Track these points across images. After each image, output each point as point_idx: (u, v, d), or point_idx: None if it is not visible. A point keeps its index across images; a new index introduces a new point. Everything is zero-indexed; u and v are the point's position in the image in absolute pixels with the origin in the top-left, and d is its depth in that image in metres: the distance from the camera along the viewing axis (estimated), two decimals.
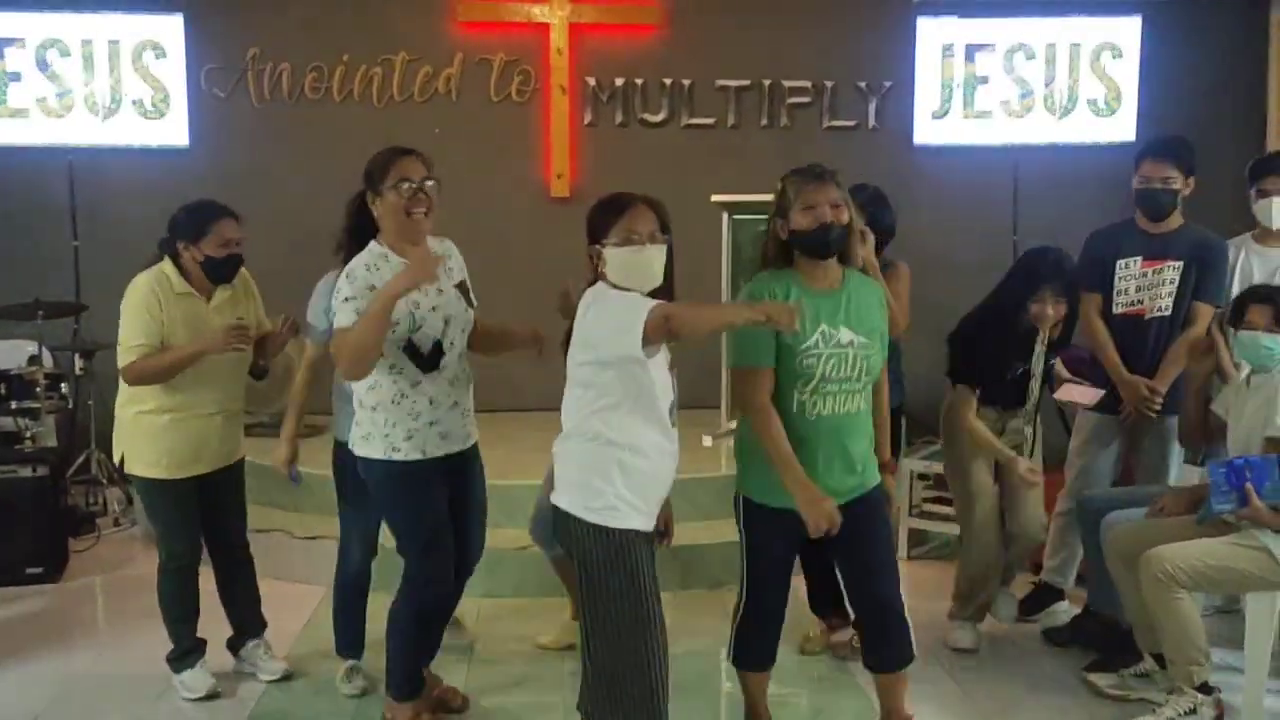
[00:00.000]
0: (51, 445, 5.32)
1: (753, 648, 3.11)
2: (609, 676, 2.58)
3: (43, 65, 5.97)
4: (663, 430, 2.63)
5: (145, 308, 3.40)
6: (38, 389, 5.21)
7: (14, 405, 5.19)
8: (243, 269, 3.61)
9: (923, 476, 5.06)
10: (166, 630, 3.64)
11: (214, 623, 3.74)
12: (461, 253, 3.32)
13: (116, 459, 3.59)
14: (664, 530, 2.88)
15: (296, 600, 4.33)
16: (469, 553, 3.38)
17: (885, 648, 3.00)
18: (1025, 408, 3.79)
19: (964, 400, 3.75)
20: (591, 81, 6.37)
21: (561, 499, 2.65)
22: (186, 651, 3.64)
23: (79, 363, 5.69)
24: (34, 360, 5.40)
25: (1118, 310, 4.03)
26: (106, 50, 5.99)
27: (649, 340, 2.46)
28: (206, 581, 3.70)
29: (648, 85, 6.40)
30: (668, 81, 6.39)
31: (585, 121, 6.38)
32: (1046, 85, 6.45)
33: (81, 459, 5.59)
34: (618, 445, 2.57)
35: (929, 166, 6.45)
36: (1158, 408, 3.92)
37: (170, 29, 6.04)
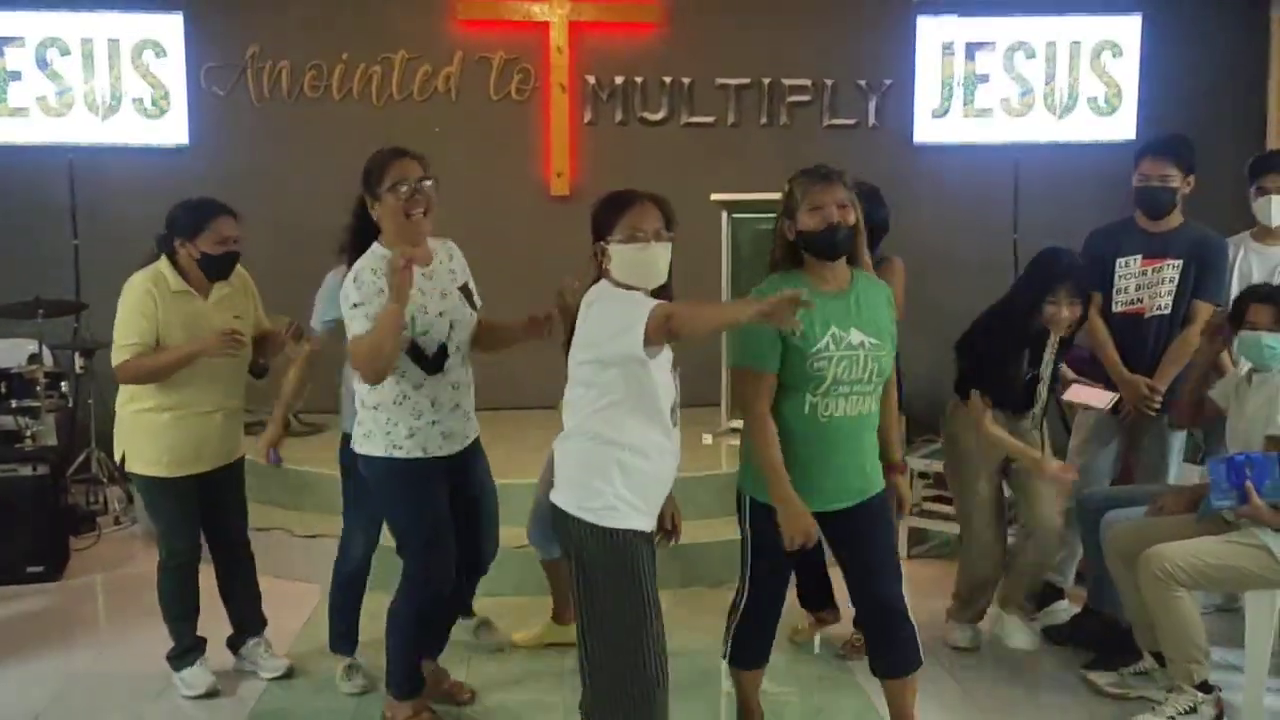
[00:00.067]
0: (52, 444, 5.31)
1: (750, 646, 3.11)
2: (607, 676, 2.58)
3: (43, 64, 5.97)
4: (664, 430, 2.63)
5: (140, 307, 3.40)
6: (38, 388, 5.21)
7: (14, 404, 5.19)
8: (241, 268, 3.61)
9: (923, 475, 5.06)
10: (167, 628, 3.65)
11: (214, 621, 3.74)
12: (462, 251, 3.32)
13: (117, 457, 3.59)
14: (671, 528, 2.89)
15: (296, 599, 4.33)
16: (483, 548, 3.40)
17: (890, 652, 3.00)
18: (1033, 411, 3.76)
19: (979, 408, 3.66)
20: (591, 80, 6.36)
21: (561, 498, 2.65)
22: (186, 650, 3.64)
23: (79, 361, 5.69)
24: (34, 359, 5.40)
25: (1117, 309, 4.03)
26: (106, 49, 6.00)
27: (650, 340, 2.46)
28: (207, 580, 3.71)
29: (647, 84, 6.40)
30: (667, 80, 6.39)
31: (585, 120, 6.38)
32: (1047, 84, 6.46)
33: (82, 457, 5.59)
34: (618, 445, 2.57)
35: (929, 165, 6.45)
36: (1157, 406, 3.92)
37: (170, 28, 6.04)
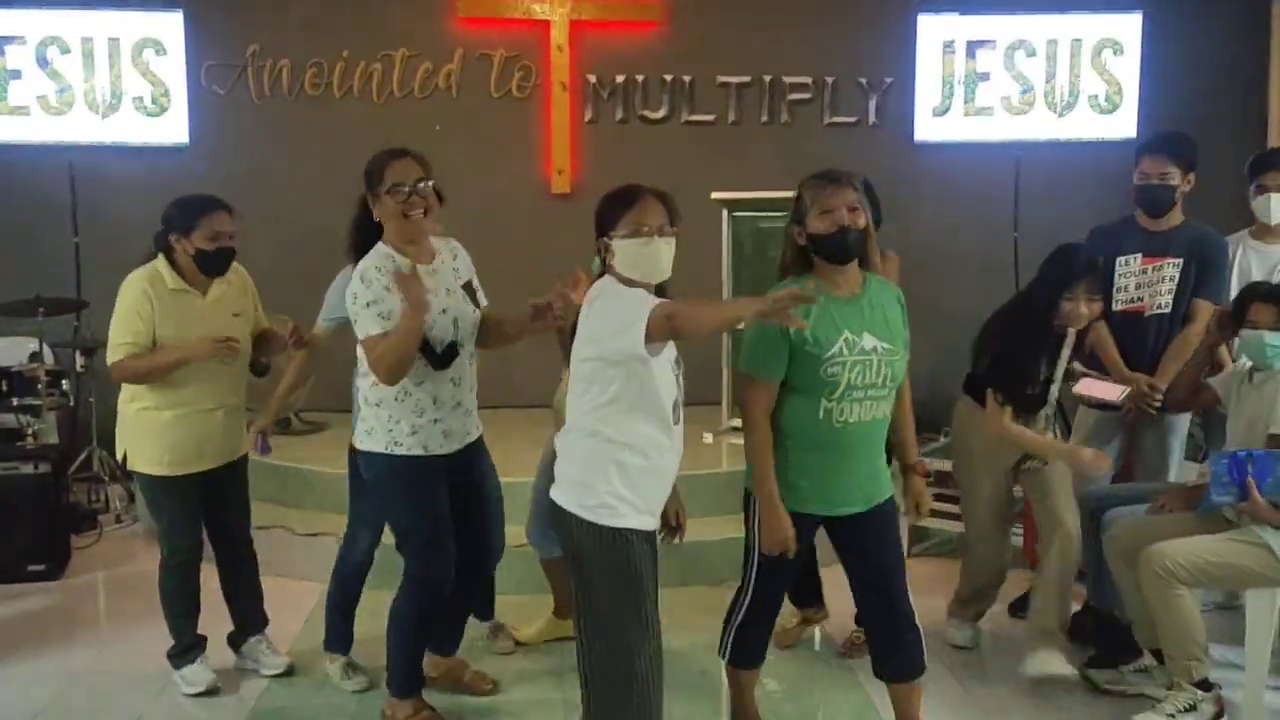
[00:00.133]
0: (53, 442, 5.32)
1: (751, 645, 3.11)
2: (604, 675, 2.58)
3: (43, 63, 5.98)
4: (664, 428, 2.62)
5: (135, 307, 3.40)
6: (39, 386, 5.22)
7: (15, 402, 5.20)
8: (240, 265, 3.61)
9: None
10: (168, 626, 3.65)
11: (214, 620, 3.75)
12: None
13: (119, 455, 3.60)
14: (676, 525, 2.89)
15: (297, 597, 4.33)
16: (489, 546, 3.41)
17: (896, 655, 3.00)
18: (1045, 410, 3.68)
19: (995, 409, 3.59)
20: (592, 78, 6.37)
21: (560, 495, 2.65)
22: (187, 648, 3.64)
23: (80, 359, 5.70)
24: (35, 357, 5.41)
25: (1117, 307, 4.03)
26: (106, 47, 6.01)
27: (652, 338, 2.45)
28: (209, 578, 3.71)
29: (648, 82, 6.40)
30: (668, 78, 6.40)
31: (586, 118, 6.39)
32: (1047, 82, 6.47)
33: (83, 456, 5.59)
34: (616, 443, 2.57)
35: (930, 163, 6.45)
36: (1158, 405, 3.92)
37: (170, 26, 6.05)
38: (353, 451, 3.46)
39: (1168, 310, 3.96)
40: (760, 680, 3.30)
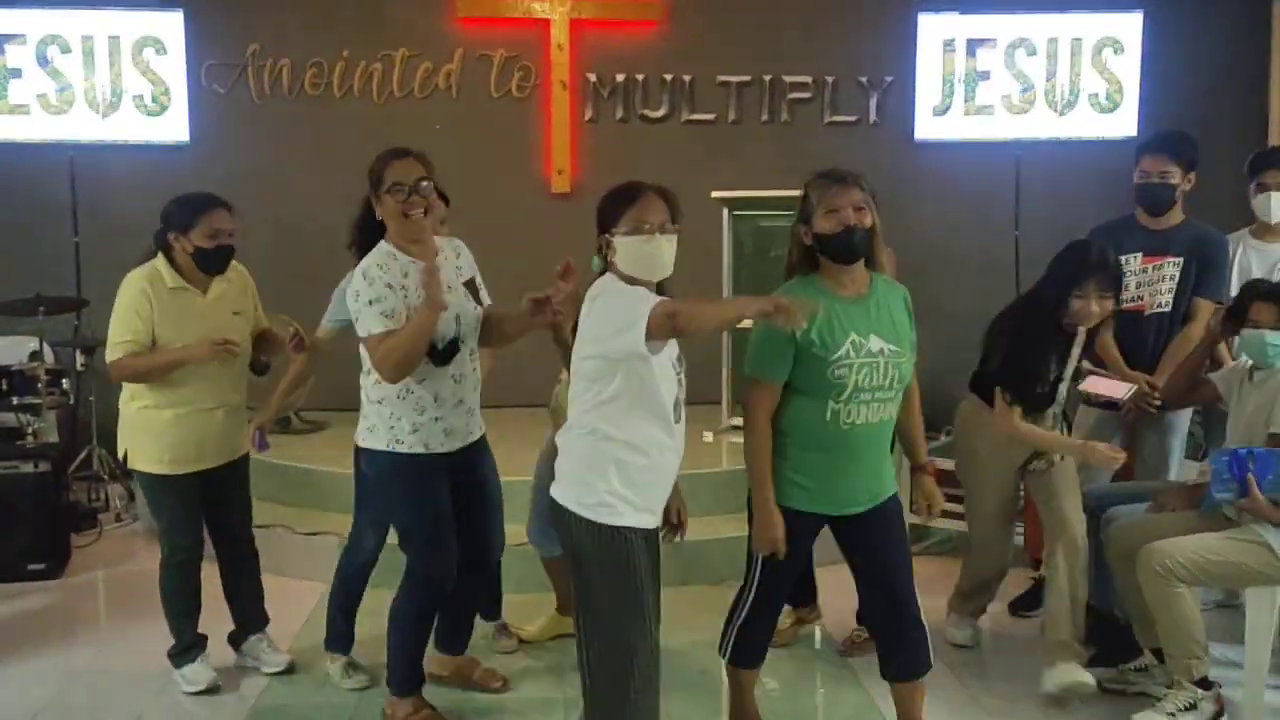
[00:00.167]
0: (53, 441, 5.32)
1: (752, 645, 3.10)
2: (603, 671, 2.58)
3: (43, 61, 5.98)
4: (665, 426, 2.62)
5: (134, 306, 3.41)
6: (39, 385, 5.22)
7: (15, 401, 5.20)
8: (240, 264, 3.61)
9: None
10: (168, 625, 3.65)
11: (214, 619, 3.75)
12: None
13: (120, 454, 3.60)
14: (677, 523, 2.88)
15: (297, 596, 4.33)
16: (489, 545, 3.41)
17: (901, 653, 3.00)
18: (1053, 409, 3.64)
19: (1004, 408, 3.56)
20: (592, 77, 6.37)
21: (560, 493, 2.65)
22: (188, 646, 3.65)
23: (80, 358, 5.70)
24: (35, 356, 5.40)
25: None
26: (107, 46, 6.01)
27: (652, 336, 2.45)
28: (209, 577, 3.71)
29: (648, 81, 6.40)
30: (668, 77, 6.39)
31: (586, 117, 6.39)
32: (1048, 80, 6.47)
33: (83, 455, 5.59)
34: (615, 441, 2.56)
35: (930, 162, 6.45)
36: (1158, 404, 3.91)
37: (170, 25, 6.05)
38: (358, 450, 3.46)
39: (1168, 309, 3.96)
40: (760, 679, 3.30)
